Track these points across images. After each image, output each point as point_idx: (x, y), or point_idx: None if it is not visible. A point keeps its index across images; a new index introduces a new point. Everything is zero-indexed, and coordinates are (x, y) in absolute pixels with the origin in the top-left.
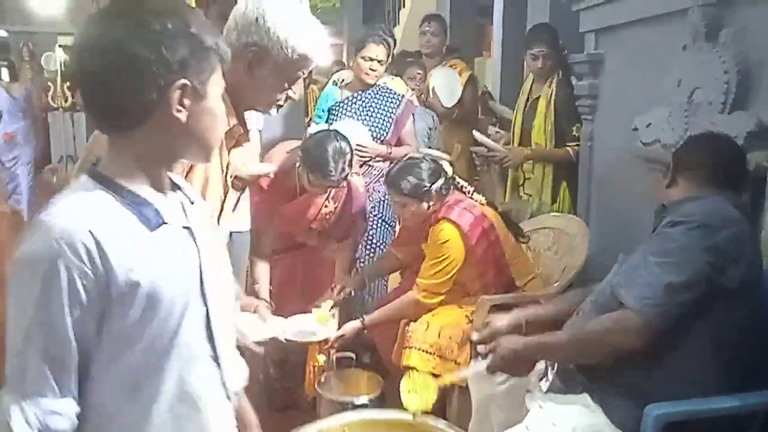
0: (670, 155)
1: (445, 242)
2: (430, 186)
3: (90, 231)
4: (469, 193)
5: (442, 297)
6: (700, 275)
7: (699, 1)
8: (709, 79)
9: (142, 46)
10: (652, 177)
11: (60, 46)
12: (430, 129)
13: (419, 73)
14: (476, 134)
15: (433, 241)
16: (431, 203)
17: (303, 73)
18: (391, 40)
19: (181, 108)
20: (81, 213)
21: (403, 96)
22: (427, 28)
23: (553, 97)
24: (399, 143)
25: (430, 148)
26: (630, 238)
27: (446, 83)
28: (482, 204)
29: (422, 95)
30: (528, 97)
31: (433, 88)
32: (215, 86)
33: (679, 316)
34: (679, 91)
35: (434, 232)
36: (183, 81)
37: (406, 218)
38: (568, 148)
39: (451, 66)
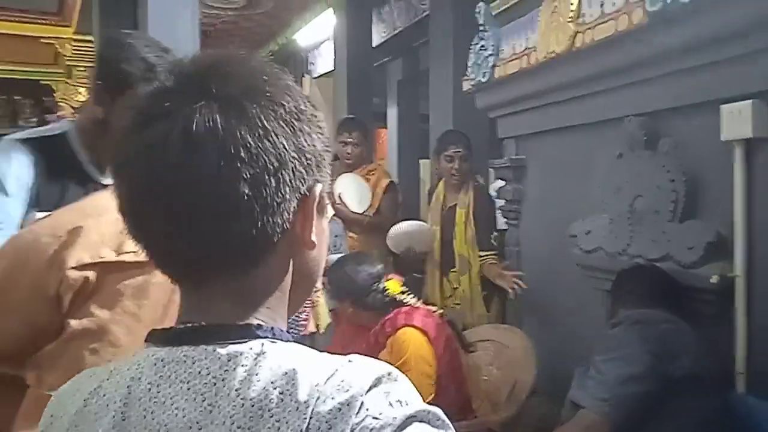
0: (614, 263)
1: (411, 353)
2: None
3: None
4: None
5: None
6: (645, 365)
7: (635, 110)
8: (651, 187)
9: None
10: (590, 285)
11: None
12: (336, 236)
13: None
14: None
15: (396, 356)
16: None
17: None
18: None
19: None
20: None
21: None
22: (349, 139)
23: (471, 204)
24: None
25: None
26: (565, 349)
27: (353, 189)
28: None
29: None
30: (443, 206)
31: (339, 195)
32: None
33: (637, 409)
34: (619, 198)
35: (397, 343)
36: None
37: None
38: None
39: (370, 171)
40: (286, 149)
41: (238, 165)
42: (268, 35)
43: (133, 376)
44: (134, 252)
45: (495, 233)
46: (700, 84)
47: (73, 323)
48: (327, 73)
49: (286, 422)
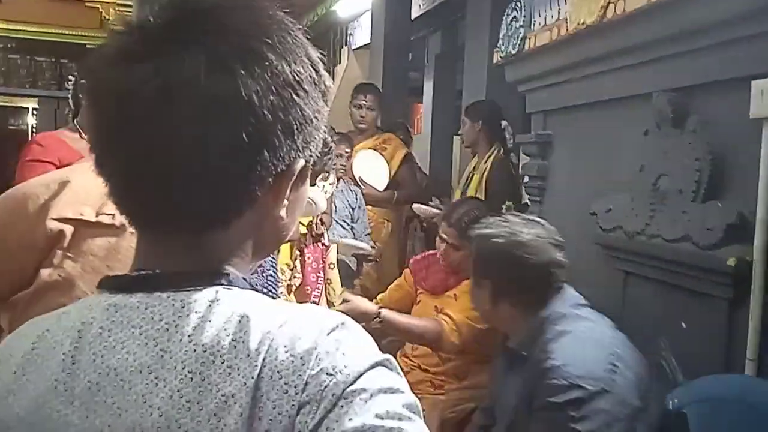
0: (633, 244)
1: None
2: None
3: None
4: None
5: (462, 345)
6: None
7: (663, 86)
8: (676, 166)
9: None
10: (610, 265)
11: None
12: (352, 207)
13: (347, 151)
14: (415, 207)
15: None
16: None
17: None
18: None
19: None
20: None
21: None
22: (363, 102)
23: (486, 173)
24: None
25: (352, 228)
26: None
27: (371, 167)
28: None
29: (348, 173)
30: (471, 173)
31: (359, 178)
32: None
33: None
34: (642, 177)
35: None
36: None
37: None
38: None
39: (384, 141)
40: (269, 125)
41: (214, 132)
42: (307, 5)
43: (84, 320)
44: (112, 215)
45: (508, 203)
46: (731, 59)
47: (43, 273)
48: (366, 45)
49: (237, 369)
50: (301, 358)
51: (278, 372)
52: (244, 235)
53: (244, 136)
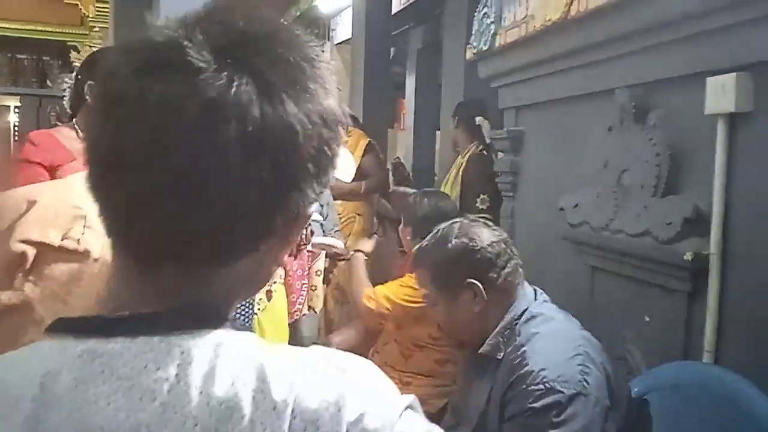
0: (598, 238)
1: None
2: None
3: None
4: None
5: (375, 313)
6: None
7: (626, 81)
8: (638, 161)
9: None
10: (578, 260)
11: None
12: (321, 205)
13: None
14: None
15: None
16: None
17: None
18: None
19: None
20: None
21: None
22: None
23: (461, 168)
24: None
25: (322, 225)
26: None
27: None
28: None
29: None
30: (450, 170)
31: None
32: None
33: None
34: (606, 172)
35: None
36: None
37: None
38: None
39: (348, 135)
40: (307, 162)
41: (256, 162)
42: (290, 0)
43: (45, 371)
44: (78, 240)
45: (483, 197)
46: (689, 56)
47: (2, 296)
48: (348, 40)
49: (262, 424)
50: (335, 403)
51: (313, 423)
52: (247, 274)
53: (285, 168)
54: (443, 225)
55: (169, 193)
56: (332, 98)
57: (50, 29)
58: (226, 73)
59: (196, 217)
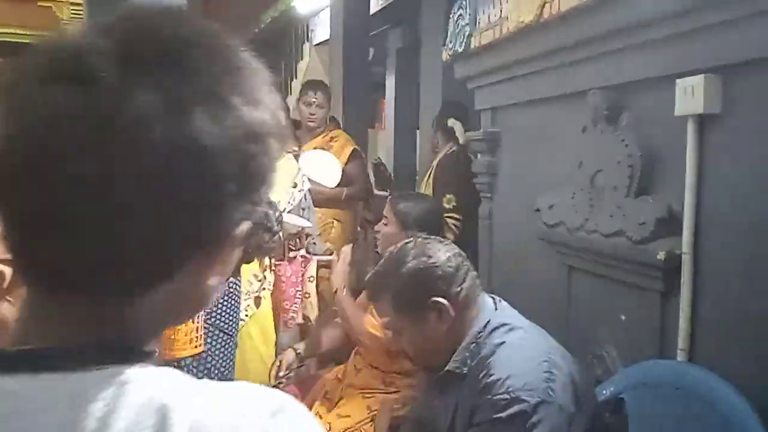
0: (574, 239)
1: None
2: None
3: None
4: None
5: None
6: None
7: (598, 83)
8: (611, 162)
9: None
10: (554, 260)
11: None
12: (301, 208)
13: (295, 150)
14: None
15: None
16: None
17: None
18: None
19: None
20: None
21: None
22: (313, 99)
23: (433, 170)
24: None
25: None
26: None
27: (320, 164)
28: None
29: None
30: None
31: (308, 178)
32: None
33: None
34: (581, 173)
35: None
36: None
37: None
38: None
39: (331, 139)
40: (226, 181)
41: (163, 183)
42: (269, 1)
43: None
44: None
45: (449, 196)
46: (660, 57)
47: None
48: (327, 40)
49: None
50: None
51: None
52: (166, 302)
53: (196, 191)
54: (391, 248)
55: (58, 218)
56: (262, 109)
57: (23, 32)
58: (129, 87)
59: (91, 246)
